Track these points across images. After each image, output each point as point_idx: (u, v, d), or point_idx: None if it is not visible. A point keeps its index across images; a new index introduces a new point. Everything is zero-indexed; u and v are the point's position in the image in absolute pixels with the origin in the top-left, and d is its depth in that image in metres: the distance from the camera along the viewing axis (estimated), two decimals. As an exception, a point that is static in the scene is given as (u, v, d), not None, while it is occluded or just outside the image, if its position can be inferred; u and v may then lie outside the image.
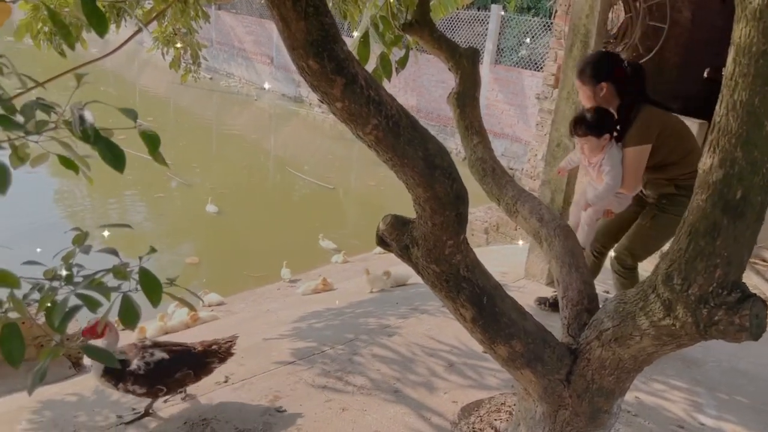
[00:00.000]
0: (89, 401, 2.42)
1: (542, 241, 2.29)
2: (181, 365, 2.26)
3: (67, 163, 1.29)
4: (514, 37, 9.98)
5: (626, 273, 3.11)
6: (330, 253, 6.68)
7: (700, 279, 1.53)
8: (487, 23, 10.14)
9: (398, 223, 1.87)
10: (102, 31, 1.29)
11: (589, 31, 3.26)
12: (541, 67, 9.32)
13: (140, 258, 1.12)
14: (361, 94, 1.52)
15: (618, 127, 2.84)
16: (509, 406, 2.54)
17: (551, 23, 9.31)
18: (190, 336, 3.39)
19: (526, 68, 9.59)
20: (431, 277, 1.87)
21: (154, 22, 4.41)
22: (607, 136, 2.77)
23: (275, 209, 7.50)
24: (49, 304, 1.13)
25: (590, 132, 2.76)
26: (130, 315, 1.10)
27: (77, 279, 1.17)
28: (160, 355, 2.23)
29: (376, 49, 2.76)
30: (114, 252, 1.14)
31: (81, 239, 1.12)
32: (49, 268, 1.24)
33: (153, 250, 1.18)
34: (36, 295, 1.17)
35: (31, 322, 1.17)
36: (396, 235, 1.87)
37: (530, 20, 9.73)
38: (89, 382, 2.58)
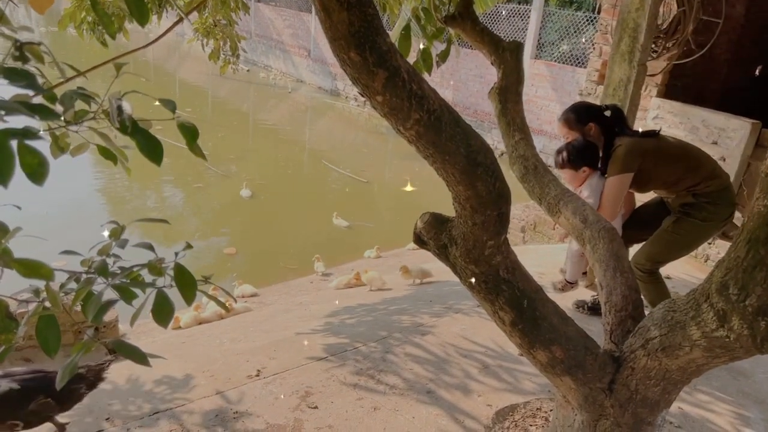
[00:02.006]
0: (123, 390, 2.44)
1: (585, 243, 2.21)
2: (36, 394, 2.00)
3: (106, 153, 1.28)
4: (556, 32, 9.76)
5: (646, 278, 3.05)
6: (342, 230, 6.81)
7: (759, 289, 1.44)
8: (528, 17, 9.95)
9: (437, 222, 1.82)
10: (143, 21, 1.27)
11: (638, 26, 3.13)
12: (583, 63, 9.10)
13: (176, 254, 1.09)
14: (403, 87, 1.47)
15: (602, 160, 3.02)
16: (545, 412, 2.46)
17: (595, 18, 9.08)
18: (224, 327, 3.41)
19: (567, 64, 9.38)
20: (469, 278, 1.82)
21: (195, 13, 4.45)
22: (585, 168, 2.98)
23: (310, 201, 7.51)
24: (85, 296, 1.11)
25: (568, 164, 2.99)
26: (164, 311, 1.08)
27: (113, 270, 1.16)
28: (7, 385, 1.97)
29: (415, 42, 2.70)
30: (150, 247, 1.12)
31: (118, 233, 1.10)
32: (86, 258, 1.23)
33: (189, 246, 1.15)
34: (73, 285, 1.17)
35: (66, 312, 1.15)
36: (434, 234, 1.82)
37: (573, 15, 9.50)
38: (123, 370, 2.60)
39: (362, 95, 1.54)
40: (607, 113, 3.06)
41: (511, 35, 10.21)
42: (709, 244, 4.24)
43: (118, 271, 1.04)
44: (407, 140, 1.59)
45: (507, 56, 2.61)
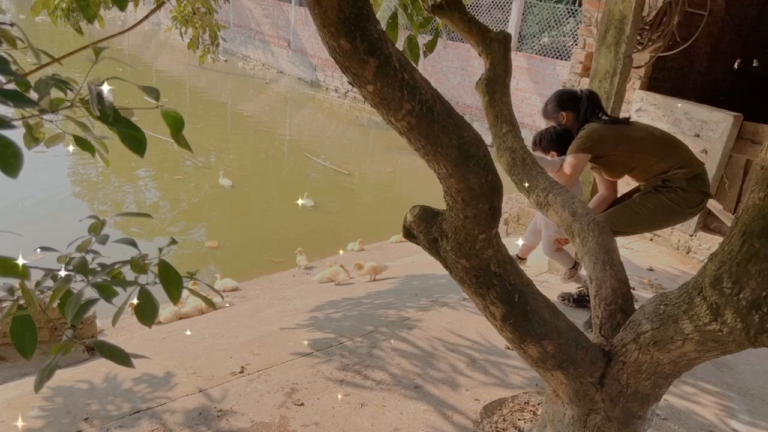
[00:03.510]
0: (101, 389, 2.37)
1: (575, 235, 2.19)
2: None
3: (84, 144, 1.22)
4: (537, 24, 9.76)
5: None
6: (309, 210, 6.93)
7: (753, 283, 1.43)
8: (509, 9, 9.94)
9: (427, 215, 1.78)
10: (123, 4, 1.21)
11: (625, 17, 3.12)
12: (564, 56, 9.12)
13: (160, 249, 1.04)
14: (395, 77, 1.43)
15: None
16: (533, 406, 2.45)
17: (576, 10, 9.10)
18: (205, 322, 3.34)
19: (548, 56, 9.39)
20: (460, 273, 1.79)
21: (173, 1, 4.34)
22: (553, 153, 3.15)
23: (292, 193, 7.42)
24: (63, 295, 1.06)
25: (538, 147, 3.19)
26: (148, 310, 1.02)
27: (93, 267, 1.10)
28: None
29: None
30: (132, 243, 1.06)
31: (98, 228, 1.04)
32: (63, 255, 1.17)
33: (174, 241, 1.10)
34: (50, 283, 1.11)
35: (43, 311, 1.10)
36: (424, 228, 1.79)
37: (554, 7, 9.51)
38: (101, 368, 2.53)
39: (352, 84, 1.49)
40: (584, 99, 3.08)
41: (491, 27, 10.18)
42: (691, 236, 4.27)
43: (98, 269, 0.98)
44: (398, 132, 1.55)
45: (495, 47, 2.58)
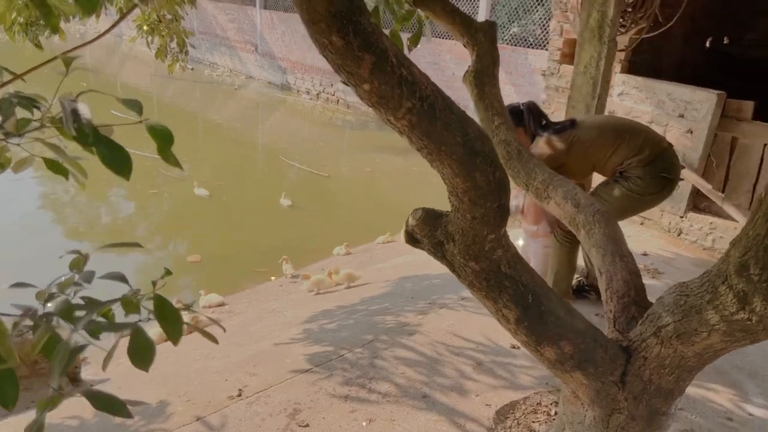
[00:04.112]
0: (91, 424, 2.23)
1: (579, 228, 2.11)
2: None
3: (56, 167, 1.09)
4: (506, 14, 9.73)
5: (565, 241, 3.11)
6: (288, 210, 6.89)
7: (784, 268, 1.35)
8: (478, 1, 9.89)
9: (430, 218, 1.68)
10: (91, 8, 1.08)
11: (606, 0, 3.06)
12: (535, 45, 9.10)
13: (154, 283, 0.92)
14: (393, 73, 1.33)
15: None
16: (546, 406, 2.37)
17: (544, -2, 9.08)
18: (194, 342, 3.20)
19: (519, 46, 9.37)
20: (469, 276, 1.69)
21: (136, 10, 4.17)
22: (519, 129, 3.06)
23: (271, 199, 7.27)
24: (47, 342, 0.93)
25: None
26: (143, 352, 0.91)
27: (76, 302, 0.98)
28: None
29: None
30: (122, 278, 0.94)
31: (80, 264, 0.92)
32: (42, 290, 1.04)
33: (168, 272, 0.98)
34: (28, 322, 0.98)
35: (22, 361, 0.97)
36: (428, 231, 1.69)
37: (521, -4, 9.49)
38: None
39: (346, 84, 1.38)
40: (525, 113, 3.07)
41: (461, 20, 10.08)
42: (681, 217, 4.25)
43: (83, 303, 0.86)
44: (398, 132, 1.45)
45: (480, 37, 2.49)
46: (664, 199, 2.97)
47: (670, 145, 2.94)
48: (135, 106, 0.84)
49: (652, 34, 4.12)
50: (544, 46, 8.95)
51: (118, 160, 0.78)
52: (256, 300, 4.41)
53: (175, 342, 0.94)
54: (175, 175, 7.92)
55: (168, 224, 6.81)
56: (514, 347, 2.68)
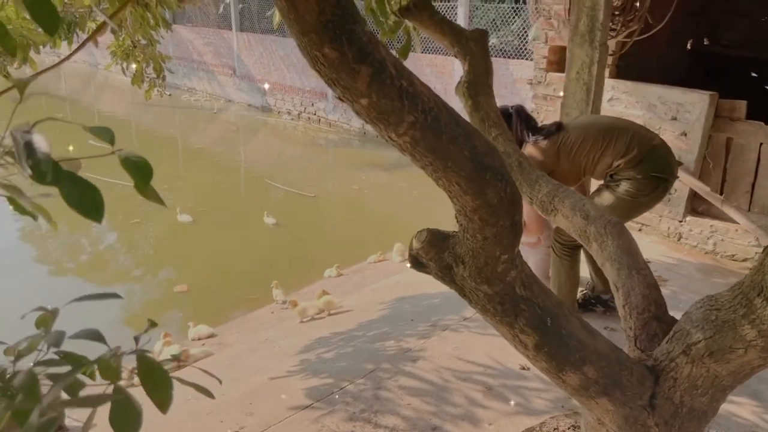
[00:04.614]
0: (77, 479, 2.05)
1: (590, 241, 1.99)
2: None
3: (20, 208, 0.95)
4: (484, 26, 9.73)
5: (565, 254, 3.00)
6: (275, 233, 6.85)
7: (826, 277, 1.24)
8: (456, 13, 9.89)
9: (437, 239, 1.55)
10: (52, 27, 0.94)
11: (596, 4, 2.99)
12: (514, 55, 9.09)
13: (136, 339, 0.78)
14: (392, 85, 1.21)
15: None
16: (563, 431, 2.24)
17: (521, 8, 9.09)
18: (183, 377, 3.01)
19: (499, 56, 9.36)
20: (481, 301, 1.57)
21: (110, 36, 4.03)
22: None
23: (257, 223, 7.11)
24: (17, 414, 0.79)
25: None
26: (128, 421, 0.76)
27: (46, 359, 0.84)
28: None
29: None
30: (97, 336, 0.79)
31: (47, 321, 0.78)
32: (10, 347, 0.90)
33: (153, 324, 0.84)
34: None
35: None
36: (435, 254, 1.56)
37: (499, 7, 9.50)
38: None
39: (341, 99, 1.26)
40: (514, 117, 2.98)
41: (439, 33, 10.06)
42: (680, 221, 4.17)
43: (51, 384, 0.72)
44: (399, 149, 1.33)
45: (472, 46, 2.39)
46: (660, 200, 2.88)
47: (663, 142, 2.83)
48: (106, 134, 0.71)
49: (643, 36, 4.06)
50: (524, 56, 8.95)
51: (87, 200, 0.64)
52: (248, 329, 4.24)
53: (164, 410, 0.80)
54: (158, 202, 7.72)
55: (152, 254, 6.61)
56: (523, 368, 2.55)
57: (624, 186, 2.76)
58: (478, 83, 2.37)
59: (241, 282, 5.57)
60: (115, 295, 0.88)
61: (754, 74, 5.91)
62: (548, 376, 1.65)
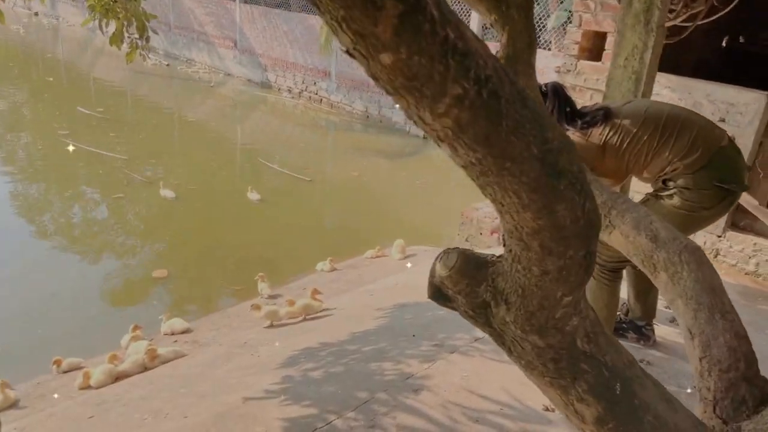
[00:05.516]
0: None
1: (657, 270, 1.56)
2: None
3: None
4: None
5: (605, 278, 2.51)
6: (261, 211, 6.56)
7: None
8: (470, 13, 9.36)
9: (470, 266, 1.13)
10: None
11: (654, -22, 2.53)
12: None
13: None
14: (433, 34, 0.77)
15: None
16: (599, 499, 1.81)
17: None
18: (146, 388, 2.60)
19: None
20: (528, 355, 1.16)
21: (89, -12, 3.57)
22: None
23: (248, 206, 6.66)
24: None
25: None
26: None
27: None
28: None
29: None
30: None
31: None
32: None
33: None
34: None
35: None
36: (467, 286, 1.14)
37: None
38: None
39: (351, 55, 0.81)
40: (550, 97, 2.44)
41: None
42: (719, 236, 3.76)
43: None
44: (435, 136, 0.89)
45: (513, 14, 1.93)
46: (723, 215, 2.41)
47: (732, 142, 2.34)
48: None
49: (706, 21, 3.60)
50: (543, 45, 8.46)
51: None
52: (226, 327, 3.81)
53: None
54: (143, 177, 7.26)
55: (133, 232, 6.16)
56: (547, 409, 2.13)
57: (679, 197, 2.28)
58: (518, 59, 1.92)
59: (224, 269, 5.14)
60: None
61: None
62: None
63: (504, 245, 1.09)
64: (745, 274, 3.63)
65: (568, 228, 0.96)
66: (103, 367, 3.16)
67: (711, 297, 1.46)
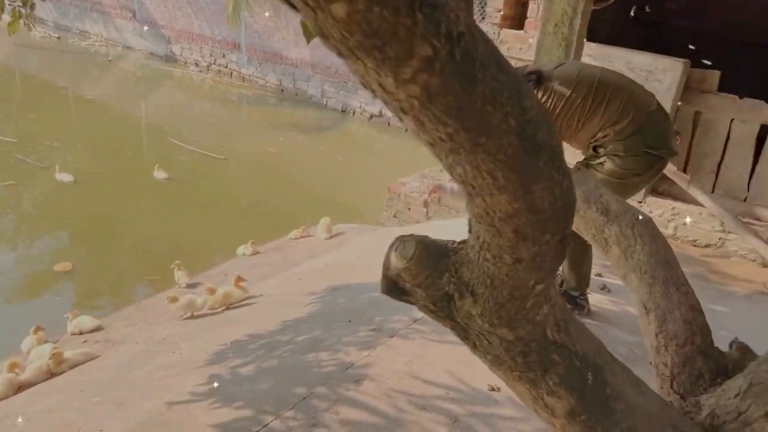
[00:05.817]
0: None
1: (609, 244, 1.50)
2: None
3: None
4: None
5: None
6: (162, 183, 6.31)
7: None
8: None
9: (431, 256, 1.01)
10: None
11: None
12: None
13: None
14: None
15: None
16: (551, 478, 1.77)
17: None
18: (53, 398, 2.33)
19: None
20: (495, 349, 1.07)
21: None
22: None
23: (159, 190, 6.24)
24: None
25: None
26: None
27: None
28: None
29: None
30: None
31: None
32: None
33: None
34: None
35: None
36: (426, 278, 1.03)
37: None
38: None
39: (293, 6, 0.65)
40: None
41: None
42: (640, 202, 3.86)
43: None
44: (397, 108, 0.75)
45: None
46: (652, 181, 2.42)
47: (660, 106, 2.33)
48: None
49: None
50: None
51: None
52: (142, 322, 3.52)
53: None
54: (37, 162, 6.63)
55: (30, 222, 5.61)
56: (493, 389, 2.07)
57: (610, 163, 2.26)
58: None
59: (136, 258, 4.78)
60: None
61: (691, 47, 5.71)
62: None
63: (470, 231, 0.97)
64: (665, 238, 3.74)
65: (546, 211, 0.86)
66: (1, 376, 2.82)
67: (665, 270, 1.42)
